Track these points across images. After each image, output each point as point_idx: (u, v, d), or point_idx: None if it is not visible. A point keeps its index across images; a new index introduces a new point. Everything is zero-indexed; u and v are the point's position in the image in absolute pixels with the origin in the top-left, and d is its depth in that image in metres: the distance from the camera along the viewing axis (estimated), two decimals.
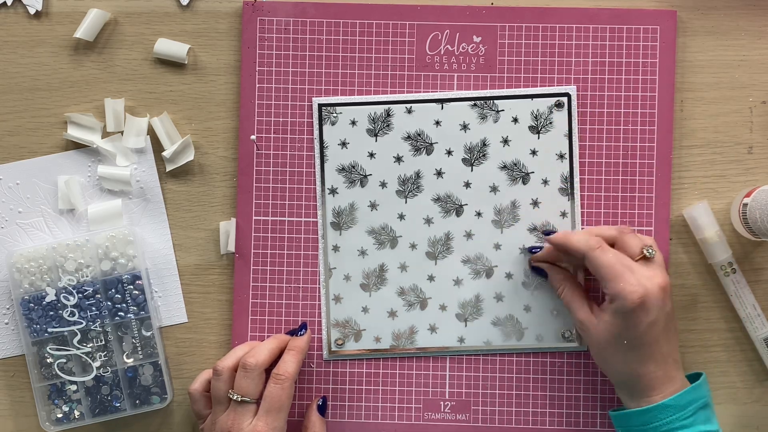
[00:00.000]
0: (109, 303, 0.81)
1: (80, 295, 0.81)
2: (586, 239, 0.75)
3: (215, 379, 0.76)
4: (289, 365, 0.76)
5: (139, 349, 0.82)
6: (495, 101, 0.82)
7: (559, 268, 0.80)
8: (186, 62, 0.83)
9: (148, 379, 0.82)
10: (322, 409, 0.81)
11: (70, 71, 0.84)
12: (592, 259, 0.74)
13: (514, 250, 0.83)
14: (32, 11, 0.83)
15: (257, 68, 0.83)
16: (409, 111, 0.82)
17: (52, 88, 0.84)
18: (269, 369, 0.76)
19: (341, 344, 0.83)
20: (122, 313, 0.81)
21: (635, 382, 0.74)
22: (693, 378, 0.76)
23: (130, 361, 0.81)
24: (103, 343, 0.81)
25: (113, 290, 0.81)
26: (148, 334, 0.81)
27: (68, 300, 0.81)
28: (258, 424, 0.74)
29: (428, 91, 0.82)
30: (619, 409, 0.78)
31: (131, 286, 0.81)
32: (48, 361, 0.81)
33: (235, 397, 0.75)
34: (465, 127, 0.82)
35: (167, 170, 0.83)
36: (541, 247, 0.81)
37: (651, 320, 0.72)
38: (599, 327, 0.75)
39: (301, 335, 0.80)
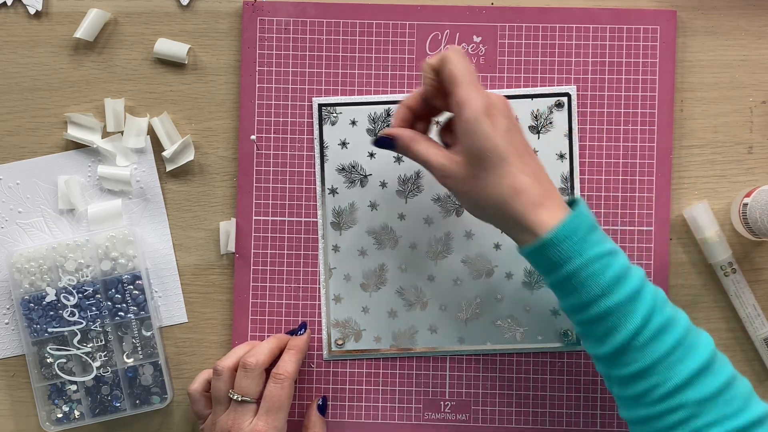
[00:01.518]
0: (109, 303, 0.81)
1: (80, 295, 0.81)
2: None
3: (215, 379, 0.76)
4: (288, 365, 0.76)
5: (139, 349, 0.82)
6: None
7: (406, 129, 0.73)
8: (186, 62, 0.83)
9: (148, 379, 0.82)
10: (322, 409, 0.81)
11: (70, 71, 0.84)
12: (456, 61, 0.68)
13: (514, 250, 0.82)
14: (32, 11, 0.83)
15: (257, 68, 0.83)
16: None
17: (52, 88, 0.84)
18: (270, 368, 0.77)
19: (341, 344, 0.83)
20: (122, 313, 0.81)
21: (517, 205, 0.67)
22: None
23: (130, 361, 0.81)
24: (103, 343, 0.81)
25: (113, 290, 0.81)
26: (148, 334, 0.81)
27: (68, 300, 0.81)
28: (258, 424, 0.74)
29: None
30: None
31: (131, 286, 0.81)
32: (48, 361, 0.81)
33: (235, 397, 0.74)
34: None
35: (167, 170, 0.83)
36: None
37: (507, 126, 0.68)
38: (458, 159, 0.68)
39: (300, 335, 0.80)
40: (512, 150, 0.67)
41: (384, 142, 0.73)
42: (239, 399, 0.74)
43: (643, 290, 0.67)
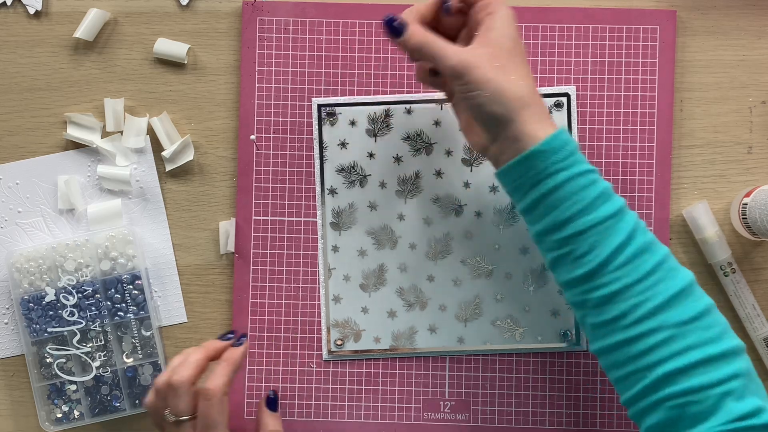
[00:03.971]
0: (108, 303, 0.81)
1: (80, 294, 0.81)
2: None
3: (156, 398, 0.72)
4: (217, 379, 0.71)
5: (138, 348, 0.82)
6: None
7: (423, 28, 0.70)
8: (186, 62, 0.83)
9: (148, 379, 0.82)
10: (273, 403, 0.79)
11: (70, 71, 0.84)
12: None
13: (514, 250, 0.83)
14: (32, 11, 0.84)
15: (257, 68, 0.83)
16: (409, 111, 0.82)
17: (52, 88, 0.84)
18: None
19: (341, 344, 0.83)
20: (122, 313, 0.81)
21: (525, 112, 0.67)
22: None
23: (129, 361, 0.81)
24: (103, 342, 0.81)
25: (113, 290, 0.81)
26: (148, 333, 0.82)
27: (68, 300, 0.81)
28: None
29: (428, 92, 0.82)
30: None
31: (131, 286, 0.81)
32: (48, 361, 0.81)
33: (169, 418, 0.71)
34: None
35: (167, 170, 0.83)
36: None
37: (516, 30, 0.70)
38: (482, 50, 0.67)
39: (238, 345, 0.75)
40: (523, 52, 0.69)
41: (393, 25, 0.69)
42: (173, 419, 0.70)
43: (626, 211, 0.67)
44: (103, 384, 0.81)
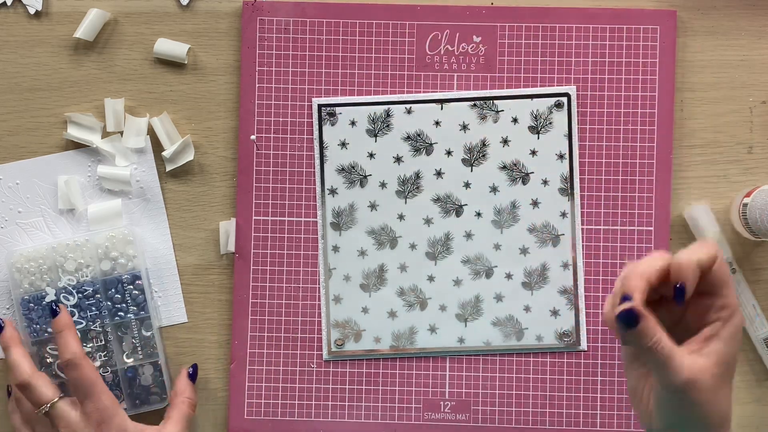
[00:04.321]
0: (109, 303, 0.81)
1: (80, 295, 0.81)
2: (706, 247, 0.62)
3: (18, 412, 0.78)
4: (69, 346, 0.75)
5: (139, 349, 0.82)
6: (495, 101, 0.82)
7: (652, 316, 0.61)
8: (186, 62, 0.83)
9: (148, 379, 0.82)
10: (193, 377, 0.81)
11: (70, 71, 0.84)
12: (721, 260, 0.62)
13: (514, 250, 0.83)
14: (32, 11, 0.83)
15: (257, 68, 0.83)
16: (409, 111, 0.82)
17: (52, 88, 0.84)
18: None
19: (341, 344, 0.83)
20: (122, 313, 0.81)
21: (719, 427, 0.63)
22: None
23: (130, 361, 0.81)
24: (103, 343, 0.81)
25: (113, 290, 0.81)
26: (148, 334, 0.82)
27: (68, 300, 0.81)
28: (87, 410, 0.74)
29: (428, 91, 0.82)
30: None
31: (131, 286, 0.81)
32: (48, 360, 0.81)
33: (41, 413, 0.74)
34: (465, 127, 0.82)
35: (167, 170, 0.83)
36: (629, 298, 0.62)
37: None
38: (703, 362, 0.61)
39: (56, 314, 0.77)
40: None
41: (628, 316, 0.60)
42: (46, 410, 0.74)
43: None
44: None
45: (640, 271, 0.61)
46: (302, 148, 0.83)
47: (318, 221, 0.83)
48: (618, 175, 0.82)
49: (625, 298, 0.60)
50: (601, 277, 0.82)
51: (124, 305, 0.81)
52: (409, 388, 0.83)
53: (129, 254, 0.82)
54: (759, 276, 0.83)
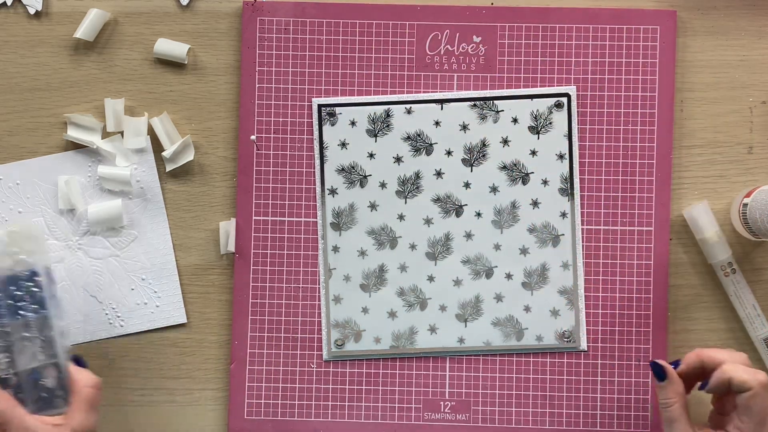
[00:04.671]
0: (10, 301, 0.76)
1: None
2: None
3: None
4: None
5: (41, 350, 0.76)
6: (495, 101, 0.82)
7: (680, 381, 0.75)
8: (186, 62, 0.83)
9: (52, 382, 0.75)
10: (80, 361, 0.77)
11: (70, 71, 0.84)
12: (751, 399, 0.72)
13: (514, 250, 0.83)
14: (32, 11, 0.84)
15: (257, 68, 0.83)
16: (409, 111, 0.82)
17: (52, 88, 0.84)
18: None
19: (341, 345, 0.83)
20: (23, 312, 0.76)
21: None
22: None
23: (32, 364, 0.75)
24: (4, 344, 0.75)
25: (14, 287, 0.76)
26: (50, 334, 0.76)
27: None
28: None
29: (428, 92, 0.82)
30: None
31: (30, 283, 0.76)
32: None
33: None
34: (465, 127, 0.82)
35: (167, 170, 0.83)
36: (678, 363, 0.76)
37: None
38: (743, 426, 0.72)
39: None
40: None
41: (657, 369, 0.74)
42: None
43: None
44: (7, 387, 0.75)
45: (700, 351, 0.74)
46: (302, 148, 0.83)
47: (318, 221, 0.83)
48: (618, 175, 0.82)
49: (676, 362, 0.75)
50: (601, 277, 0.82)
51: (24, 303, 0.75)
52: (409, 388, 0.83)
53: (29, 250, 0.76)
54: (759, 276, 0.83)
